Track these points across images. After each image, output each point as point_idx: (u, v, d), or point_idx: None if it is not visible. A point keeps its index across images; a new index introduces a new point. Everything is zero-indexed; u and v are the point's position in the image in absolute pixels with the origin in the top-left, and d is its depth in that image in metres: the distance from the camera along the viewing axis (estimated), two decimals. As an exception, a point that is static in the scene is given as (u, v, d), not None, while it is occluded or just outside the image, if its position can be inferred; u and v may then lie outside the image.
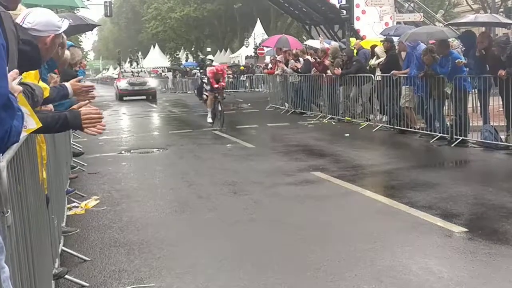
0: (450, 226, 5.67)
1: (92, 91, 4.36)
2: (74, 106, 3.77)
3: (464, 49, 10.89)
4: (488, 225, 5.72)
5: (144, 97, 32.35)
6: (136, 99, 31.95)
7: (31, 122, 2.65)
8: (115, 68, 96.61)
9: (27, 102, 2.78)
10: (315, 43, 20.80)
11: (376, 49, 14.64)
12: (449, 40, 12.01)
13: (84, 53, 71.31)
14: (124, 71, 38.08)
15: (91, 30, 23.10)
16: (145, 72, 36.83)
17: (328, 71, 15.75)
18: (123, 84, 32.87)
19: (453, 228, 5.60)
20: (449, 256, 4.88)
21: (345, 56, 15.47)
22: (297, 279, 4.49)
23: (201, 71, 31.06)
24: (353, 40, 18.70)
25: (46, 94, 3.48)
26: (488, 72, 10.16)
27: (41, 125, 2.75)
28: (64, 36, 5.31)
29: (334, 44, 18.95)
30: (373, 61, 14.63)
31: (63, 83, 4.19)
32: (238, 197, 7.40)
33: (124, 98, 32.38)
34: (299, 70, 18.00)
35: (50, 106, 4.28)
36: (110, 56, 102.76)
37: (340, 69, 14.88)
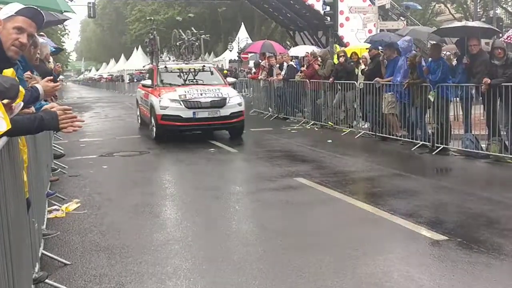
0: (431, 234, 5.70)
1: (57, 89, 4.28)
2: (47, 107, 3.73)
3: (459, 54, 10.94)
4: (469, 234, 5.77)
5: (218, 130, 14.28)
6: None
7: (2, 124, 2.61)
8: (97, 69, 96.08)
9: (0, 104, 2.74)
10: (299, 52, 20.89)
11: (365, 55, 14.71)
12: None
13: (67, 54, 70.80)
14: (165, 67, 14.79)
15: (61, 24, 22.87)
16: (211, 72, 15.01)
17: (315, 76, 15.82)
18: (168, 101, 13.07)
19: (434, 236, 5.64)
20: (430, 264, 4.91)
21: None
22: (279, 285, 4.49)
23: None
24: (337, 46, 18.78)
25: (21, 97, 3.41)
26: (473, 80, 10.23)
27: (10, 126, 2.70)
28: (36, 36, 5.24)
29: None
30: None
31: (35, 84, 4.03)
32: (220, 202, 7.38)
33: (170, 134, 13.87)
34: (284, 77, 18.05)
35: (32, 109, 4.21)
36: (93, 57, 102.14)
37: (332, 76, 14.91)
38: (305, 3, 30.75)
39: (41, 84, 3.95)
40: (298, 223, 6.39)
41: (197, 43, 15.55)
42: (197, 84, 13.96)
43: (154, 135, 13.39)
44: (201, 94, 13.01)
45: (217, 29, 55.98)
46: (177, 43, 15.94)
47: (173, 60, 15.74)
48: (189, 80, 14.12)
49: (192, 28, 16.06)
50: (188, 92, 13.06)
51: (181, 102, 12.79)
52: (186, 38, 15.44)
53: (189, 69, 14.39)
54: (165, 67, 14.59)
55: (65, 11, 8.22)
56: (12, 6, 3.37)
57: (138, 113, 16.96)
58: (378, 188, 8.06)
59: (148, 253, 5.32)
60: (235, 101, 13.32)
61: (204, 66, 14.84)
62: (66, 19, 11.78)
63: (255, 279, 4.62)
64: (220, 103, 12.95)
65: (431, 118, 11.47)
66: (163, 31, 51.83)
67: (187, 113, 12.74)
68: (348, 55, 15.38)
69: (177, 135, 13.32)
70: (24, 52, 3.93)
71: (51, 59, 9.58)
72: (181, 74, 14.18)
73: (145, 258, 5.16)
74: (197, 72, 14.33)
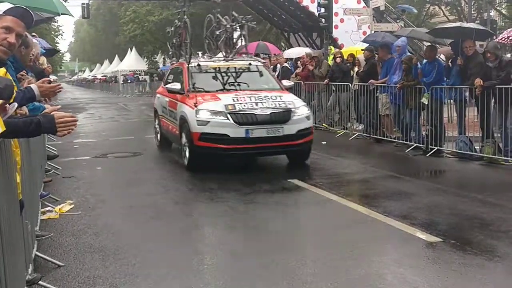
0: (425, 236, 5.71)
1: (59, 91, 4.26)
2: (46, 110, 3.71)
3: (454, 56, 10.98)
4: (462, 235, 5.78)
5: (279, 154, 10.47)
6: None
7: None
8: (91, 70, 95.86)
9: None
10: (293, 53, 20.90)
11: (359, 57, 14.75)
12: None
13: (60, 54, 70.55)
14: (197, 66, 10.77)
15: (47, 22, 22.86)
16: (260, 73, 11.05)
17: (309, 78, 15.83)
18: (209, 114, 9.32)
19: (428, 238, 5.65)
20: (423, 266, 4.92)
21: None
22: (272, 287, 4.48)
23: None
24: (332, 48, 18.81)
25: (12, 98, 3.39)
26: (467, 82, 10.25)
27: (4, 128, 2.69)
28: (29, 35, 5.22)
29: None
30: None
31: (29, 85, 4.00)
32: (214, 204, 7.37)
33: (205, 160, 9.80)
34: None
35: (25, 110, 4.18)
36: (87, 57, 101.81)
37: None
38: (300, 5, 30.79)
39: (36, 85, 3.93)
40: (292, 224, 6.40)
41: (243, 32, 11.36)
42: (244, 89, 10.21)
43: (187, 161, 9.55)
44: (257, 104, 9.30)
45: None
46: (214, 33, 11.74)
47: (207, 56, 11.76)
48: (230, 83, 10.48)
49: (233, 13, 11.58)
50: (237, 100, 9.35)
51: (229, 116, 9.08)
52: (228, 26, 11.19)
53: (231, 68, 10.80)
54: (198, 65, 10.77)
55: (62, 14, 8.21)
56: (0, 6, 3.34)
57: (156, 126, 12.52)
58: (373, 190, 8.07)
59: (142, 254, 5.31)
60: (302, 113, 9.61)
61: (250, 64, 11.11)
62: (52, 17, 11.76)
63: (248, 280, 4.62)
64: (284, 116, 9.28)
65: (425, 120, 11.50)
66: (155, 32, 51.91)
67: (238, 132, 9.05)
68: (345, 57, 15.42)
69: (220, 161, 9.61)
70: (15, 52, 3.91)
71: (42, 60, 9.53)
72: (220, 76, 10.60)
73: (139, 260, 5.15)
74: (241, 73, 10.78)
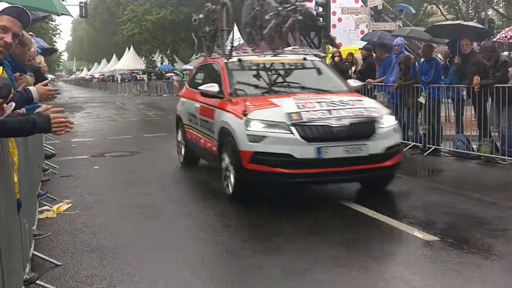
0: (423, 234, 5.71)
1: (56, 96, 4.26)
2: (40, 109, 3.71)
3: (451, 55, 11.01)
4: (460, 234, 5.79)
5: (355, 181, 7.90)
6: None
7: None
8: (89, 69, 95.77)
9: None
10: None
11: (356, 56, 14.76)
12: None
13: (58, 53, 70.53)
14: (238, 61, 8.42)
15: (43, 21, 22.91)
16: (317, 70, 8.62)
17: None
18: (264, 125, 6.88)
19: (426, 236, 5.65)
20: (421, 264, 4.93)
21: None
22: (271, 285, 4.48)
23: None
24: (329, 47, 18.80)
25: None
26: (464, 81, 10.26)
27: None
28: (25, 34, 5.21)
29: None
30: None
31: (28, 87, 3.98)
32: (213, 203, 7.35)
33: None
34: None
35: (23, 109, 4.18)
36: (85, 57, 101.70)
37: None
38: (298, 4, 30.73)
39: (36, 87, 3.93)
40: (290, 222, 6.39)
41: (299, 16, 8.47)
42: (302, 92, 7.87)
43: (232, 190, 7.18)
44: (330, 112, 6.89)
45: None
46: (258, 19, 9.01)
47: (251, 49, 8.96)
48: (282, 84, 8.26)
49: None
50: (303, 107, 6.95)
51: (293, 128, 6.70)
52: (280, 9, 8.47)
53: (281, 64, 8.54)
54: (239, 60, 8.38)
55: (61, 14, 8.21)
56: None
57: (180, 139, 9.94)
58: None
59: (139, 253, 5.31)
60: (389, 124, 7.23)
61: (305, 58, 8.68)
62: (48, 15, 11.76)
63: (246, 280, 4.62)
64: (368, 128, 6.94)
65: (423, 119, 11.51)
66: (153, 31, 51.88)
67: (306, 151, 6.67)
68: (344, 56, 15.41)
69: (274, 190, 7.69)
70: (11, 52, 3.90)
71: (40, 59, 9.51)
72: (269, 74, 8.32)
73: (137, 259, 5.15)
74: (294, 70, 8.56)
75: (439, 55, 12.69)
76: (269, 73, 8.33)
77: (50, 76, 44.22)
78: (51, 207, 6.99)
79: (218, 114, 7.76)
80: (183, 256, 5.24)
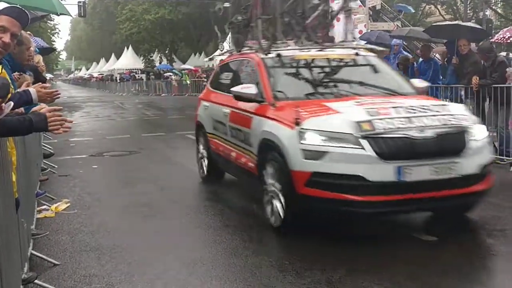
0: (420, 235, 5.72)
1: (57, 97, 4.25)
2: (35, 108, 3.71)
3: (449, 55, 11.03)
4: (458, 234, 5.79)
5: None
6: None
7: None
8: (88, 69, 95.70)
9: None
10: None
11: None
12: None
13: (57, 53, 70.47)
14: (277, 57, 6.87)
15: (42, 20, 22.91)
16: (373, 68, 7.04)
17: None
18: (323, 138, 5.32)
19: (423, 237, 5.65)
20: (420, 265, 4.92)
21: None
22: (269, 282, 4.49)
23: None
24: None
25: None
26: (462, 81, 10.28)
27: None
28: (23, 33, 5.20)
29: None
30: None
31: (28, 88, 3.96)
32: (211, 203, 7.36)
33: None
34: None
35: (21, 108, 4.18)
36: (83, 56, 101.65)
37: None
38: (296, 4, 30.72)
39: (35, 89, 3.93)
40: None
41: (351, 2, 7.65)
42: (364, 94, 6.34)
43: (282, 219, 5.67)
44: (410, 120, 5.40)
45: (208, 29, 55.93)
46: (298, 8, 7.72)
47: (294, 42, 7.52)
48: (331, 84, 6.81)
49: None
50: (376, 114, 5.45)
51: (364, 142, 5.20)
52: None
53: (330, 61, 7.07)
54: (278, 56, 6.90)
55: (61, 14, 8.21)
56: None
57: (202, 150, 8.54)
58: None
59: (138, 253, 5.31)
60: (482, 135, 5.79)
61: (357, 54, 7.20)
62: (46, 14, 11.76)
63: (248, 280, 4.62)
64: (457, 141, 5.48)
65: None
66: (152, 30, 51.86)
67: (383, 171, 5.19)
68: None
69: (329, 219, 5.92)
70: (10, 51, 3.90)
71: (38, 58, 9.51)
72: (317, 72, 6.92)
73: (135, 258, 5.15)
74: (341, 67, 7.13)
75: (437, 55, 12.71)
76: (317, 70, 6.90)
77: (48, 76, 44.22)
78: (50, 207, 6.99)
79: (257, 122, 6.30)
80: (181, 256, 5.23)
